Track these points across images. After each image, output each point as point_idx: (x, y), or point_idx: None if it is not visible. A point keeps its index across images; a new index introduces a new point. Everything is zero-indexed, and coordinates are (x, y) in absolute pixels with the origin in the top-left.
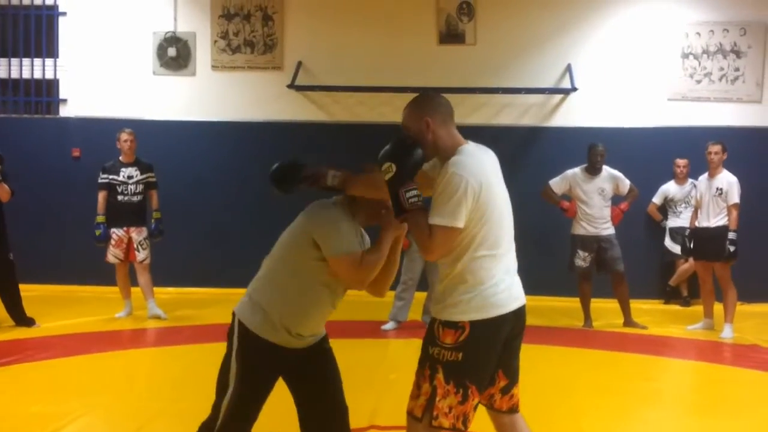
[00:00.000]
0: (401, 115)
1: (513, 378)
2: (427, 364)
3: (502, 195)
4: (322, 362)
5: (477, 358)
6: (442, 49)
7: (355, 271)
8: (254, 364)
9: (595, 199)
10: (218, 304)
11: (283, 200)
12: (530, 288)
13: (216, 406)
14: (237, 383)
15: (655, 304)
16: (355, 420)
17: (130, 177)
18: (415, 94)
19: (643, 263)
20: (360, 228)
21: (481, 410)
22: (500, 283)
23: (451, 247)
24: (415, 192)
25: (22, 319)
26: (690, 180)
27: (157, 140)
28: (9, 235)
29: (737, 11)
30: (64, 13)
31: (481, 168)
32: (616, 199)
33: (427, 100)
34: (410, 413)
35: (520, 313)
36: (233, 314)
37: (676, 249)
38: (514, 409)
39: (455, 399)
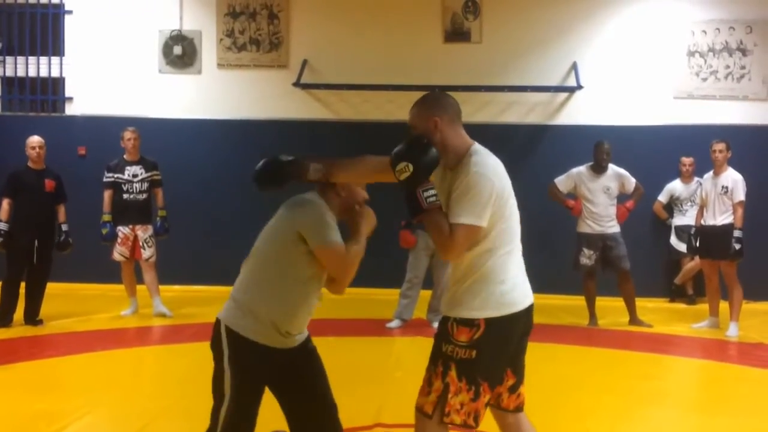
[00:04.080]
0: (408, 115)
1: (520, 376)
2: (439, 361)
3: (513, 194)
4: (309, 362)
5: (491, 355)
6: (447, 47)
7: (341, 260)
8: (249, 368)
9: (601, 198)
10: (223, 301)
11: (284, 197)
12: (535, 286)
13: (214, 414)
14: (234, 390)
15: (661, 303)
16: (360, 418)
17: (135, 175)
18: (420, 93)
19: (649, 261)
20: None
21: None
22: (514, 280)
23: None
24: (432, 191)
25: (33, 316)
26: (696, 178)
27: (163, 138)
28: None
29: (743, 9)
30: (70, 12)
31: (498, 168)
32: (621, 198)
33: (436, 100)
34: (420, 409)
35: (530, 311)
36: (217, 321)
37: (682, 247)
38: (519, 408)
39: (467, 396)
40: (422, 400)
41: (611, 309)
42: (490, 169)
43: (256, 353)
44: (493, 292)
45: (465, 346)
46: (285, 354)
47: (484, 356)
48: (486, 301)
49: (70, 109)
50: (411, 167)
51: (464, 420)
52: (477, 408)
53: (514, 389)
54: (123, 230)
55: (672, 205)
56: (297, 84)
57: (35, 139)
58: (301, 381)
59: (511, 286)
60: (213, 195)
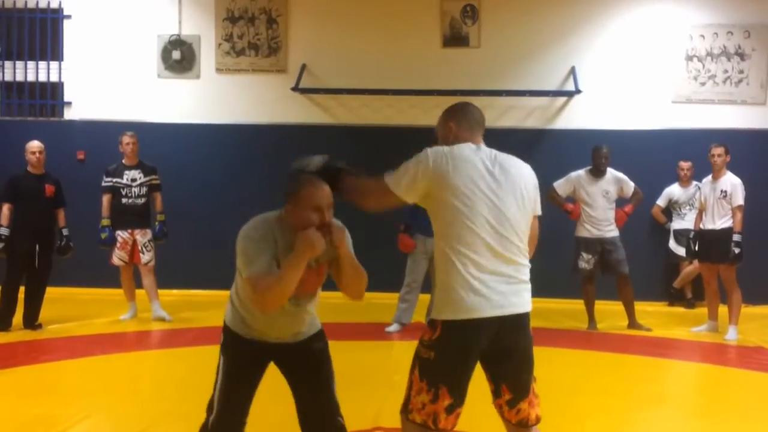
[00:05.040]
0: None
1: (519, 393)
2: (413, 359)
3: (495, 198)
4: (307, 361)
5: (447, 359)
6: (446, 52)
7: (254, 294)
8: (234, 355)
9: (599, 202)
10: (222, 306)
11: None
12: (534, 290)
13: (210, 403)
14: (222, 374)
15: (660, 306)
16: (359, 421)
17: (133, 180)
18: (419, 97)
19: (648, 265)
20: (289, 239)
21: (478, 411)
22: (477, 286)
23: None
24: (342, 163)
25: (32, 321)
26: (694, 182)
27: (162, 143)
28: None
29: (741, 14)
30: (68, 16)
31: (453, 159)
32: (620, 202)
33: (457, 108)
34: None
35: (509, 323)
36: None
37: (681, 251)
38: (522, 424)
39: (427, 397)
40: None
41: (610, 313)
42: (435, 151)
43: (241, 342)
44: (450, 295)
45: (426, 346)
46: (278, 348)
47: (441, 359)
48: (445, 304)
49: (69, 114)
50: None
51: (424, 420)
52: (436, 410)
53: (512, 404)
54: (122, 235)
55: (670, 209)
56: (296, 88)
57: (35, 144)
58: (299, 376)
59: (474, 292)
60: (212, 199)
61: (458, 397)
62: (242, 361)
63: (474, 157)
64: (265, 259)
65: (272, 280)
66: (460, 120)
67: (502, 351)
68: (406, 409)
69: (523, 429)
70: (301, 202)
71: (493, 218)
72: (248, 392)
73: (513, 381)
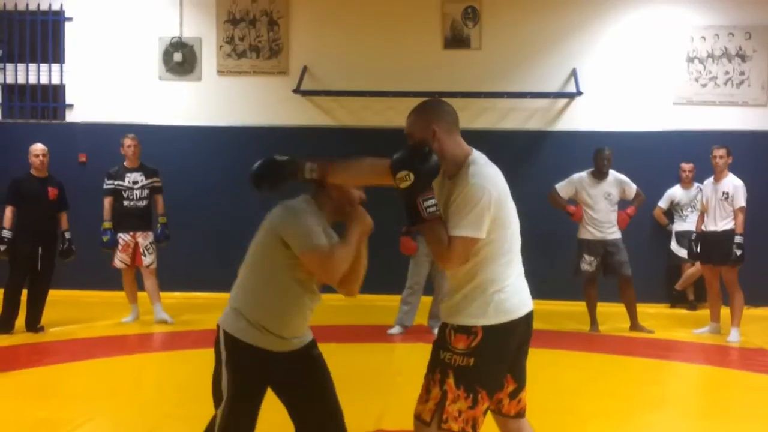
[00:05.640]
0: (405, 123)
1: (521, 382)
2: (437, 368)
3: (511, 200)
4: (312, 369)
5: (489, 363)
6: (447, 54)
7: (325, 264)
8: (244, 371)
9: (602, 204)
10: (224, 308)
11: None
12: (536, 292)
13: (214, 415)
14: (231, 392)
15: (662, 308)
16: (361, 424)
17: (135, 182)
18: (420, 99)
19: (650, 267)
20: (326, 223)
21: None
22: (512, 288)
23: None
24: (433, 201)
25: (35, 324)
26: (696, 184)
27: (163, 145)
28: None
29: (742, 15)
30: (70, 19)
31: (497, 177)
32: (622, 204)
33: (433, 108)
34: (418, 417)
35: (529, 319)
36: (218, 326)
37: (683, 253)
38: (521, 414)
39: (465, 404)
40: (420, 408)
41: (612, 315)
42: (489, 179)
43: (252, 356)
44: (490, 299)
45: (463, 354)
46: (284, 357)
47: (482, 364)
48: (484, 308)
49: (71, 117)
50: (412, 176)
51: (462, 427)
52: (475, 415)
53: (514, 395)
54: (123, 237)
55: (672, 211)
56: (297, 90)
57: (39, 147)
58: (304, 386)
59: (510, 294)
60: (213, 202)
61: (492, 398)
62: (252, 378)
63: (497, 169)
64: (321, 233)
65: (344, 248)
66: (439, 122)
67: (518, 345)
68: (440, 420)
69: (519, 420)
70: None
71: (515, 219)
72: (255, 412)
73: (518, 371)
